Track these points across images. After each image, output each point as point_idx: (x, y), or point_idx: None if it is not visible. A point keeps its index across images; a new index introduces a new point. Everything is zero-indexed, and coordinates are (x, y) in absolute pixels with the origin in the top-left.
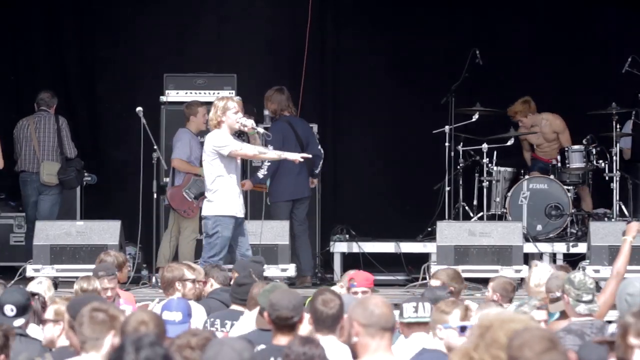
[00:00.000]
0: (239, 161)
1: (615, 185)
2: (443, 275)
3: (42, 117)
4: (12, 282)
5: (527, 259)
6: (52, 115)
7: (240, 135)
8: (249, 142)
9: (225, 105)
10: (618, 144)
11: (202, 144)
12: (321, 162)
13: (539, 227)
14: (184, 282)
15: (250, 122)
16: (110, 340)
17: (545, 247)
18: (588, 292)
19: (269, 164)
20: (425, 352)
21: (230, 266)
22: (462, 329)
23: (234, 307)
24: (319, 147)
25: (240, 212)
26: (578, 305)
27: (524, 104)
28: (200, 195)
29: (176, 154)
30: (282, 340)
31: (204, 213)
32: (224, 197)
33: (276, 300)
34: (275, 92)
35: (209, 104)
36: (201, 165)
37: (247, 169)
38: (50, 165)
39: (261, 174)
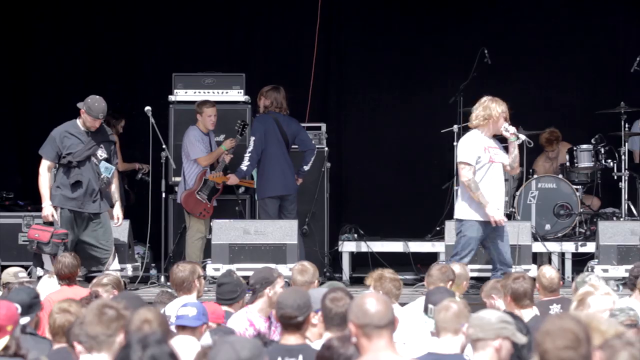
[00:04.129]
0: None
1: (624, 185)
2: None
3: None
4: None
5: (536, 258)
6: None
7: None
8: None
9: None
10: (626, 145)
11: (213, 142)
12: (312, 159)
13: (548, 227)
14: (200, 279)
15: (512, 129)
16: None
17: (553, 247)
18: None
19: (250, 153)
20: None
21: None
22: None
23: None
24: (312, 142)
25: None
26: None
27: (550, 136)
28: (213, 195)
29: (193, 155)
30: (289, 339)
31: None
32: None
33: (282, 299)
34: (271, 89)
35: (218, 103)
36: None
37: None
38: None
39: (244, 165)
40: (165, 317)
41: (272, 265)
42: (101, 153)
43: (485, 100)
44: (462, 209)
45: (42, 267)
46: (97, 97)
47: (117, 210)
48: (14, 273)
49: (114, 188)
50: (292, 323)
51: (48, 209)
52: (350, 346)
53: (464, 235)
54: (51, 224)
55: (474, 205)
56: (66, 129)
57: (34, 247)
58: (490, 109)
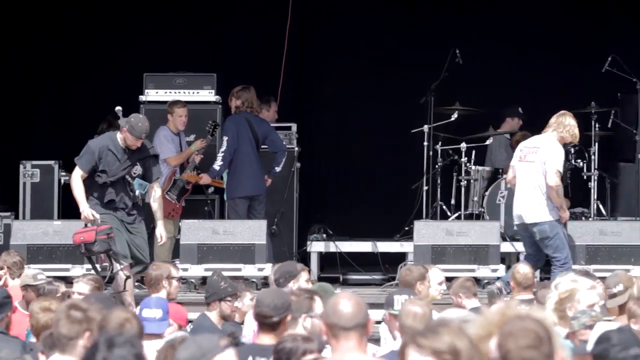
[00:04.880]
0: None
1: (593, 185)
2: None
3: None
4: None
5: (505, 258)
6: None
7: None
8: None
9: None
10: (596, 145)
11: (183, 142)
12: (283, 160)
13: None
14: (170, 280)
15: None
16: (85, 342)
17: (522, 247)
18: None
19: (223, 153)
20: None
21: None
22: None
23: None
24: (283, 143)
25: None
26: None
27: (521, 138)
28: (182, 195)
29: (163, 155)
30: (263, 339)
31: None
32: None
33: (261, 297)
34: (242, 89)
35: (189, 103)
36: None
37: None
38: None
39: (217, 165)
40: (139, 318)
41: (240, 266)
42: (135, 170)
43: (572, 118)
44: (545, 211)
45: (96, 270)
46: (141, 116)
47: (159, 229)
48: (33, 275)
49: (156, 207)
50: (267, 322)
51: (87, 210)
52: (306, 343)
53: (558, 233)
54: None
55: (550, 206)
56: (106, 144)
57: (82, 251)
58: (575, 131)
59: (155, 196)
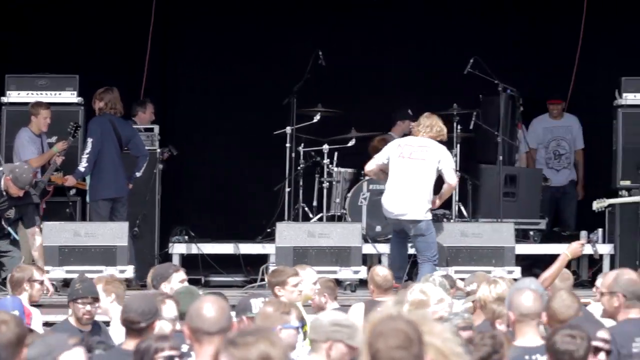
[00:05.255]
0: None
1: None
2: None
3: None
4: None
5: (366, 260)
6: None
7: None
8: None
9: None
10: (458, 147)
11: (45, 144)
12: (145, 165)
13: (379, 228)
14: (32, 283)
15: None
16: None
17: (384, 248)
18: None
19: (88, 155)
20: None
21: None
22: (298, 328)
23: None
24: (145, 148)
25: None
26: None
27: (379, 145)
28: (43, 197)
29: (24, 157)
30: (129, 344)
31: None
32: None
33: (128, 302)
34: (105, 91)
35: (52, 104)
36: None
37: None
38: None
39: (82, 166)
40: (21, 320)
41: (102, 268)
42: (9, 213)
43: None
44: (425, 209)
45: None
46: (26, 166)
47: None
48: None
49: (37, 256)
50: (134, 328)
51: None
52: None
53: (432, 231)
54: None
55: (428, 205)
56: None
57: None
58: (445, 130)
59: (36, 244)
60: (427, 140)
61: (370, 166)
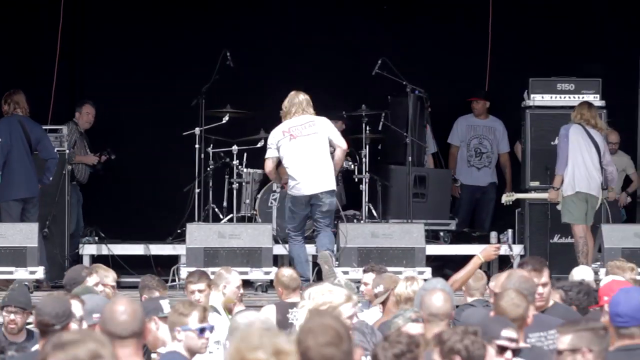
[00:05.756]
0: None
1: (364, 187)
2: None
3: None
4: None
5: (277, 260)
6: None
7: None
8: None
9: None
10: (367, 147)
11: None
12: (54, 168)
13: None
14: None
15: None
16: None
17: None
18: None
19: None
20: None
21: None
22: (201, 331)
23: None
24: (55, 150)
25: None
26: None
27: None
28: None
29: None
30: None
31: None
32: None
33: (41, 305)
34: (12, 92)
35: None
36: None
37: None
38: None
39: None
40: None
41: (12, 269)
42: None
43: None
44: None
45: None
46: None
47: None
48: None
49: None
50: (49, 331)
51: None
52: None
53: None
54: None
55: None
56: None
57: None
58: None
59: None
60: (309, 116)
61: (268, 166)
